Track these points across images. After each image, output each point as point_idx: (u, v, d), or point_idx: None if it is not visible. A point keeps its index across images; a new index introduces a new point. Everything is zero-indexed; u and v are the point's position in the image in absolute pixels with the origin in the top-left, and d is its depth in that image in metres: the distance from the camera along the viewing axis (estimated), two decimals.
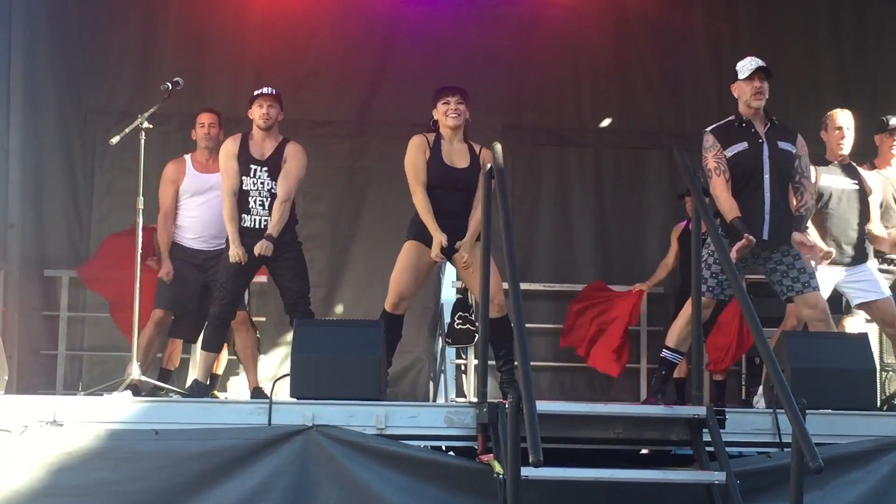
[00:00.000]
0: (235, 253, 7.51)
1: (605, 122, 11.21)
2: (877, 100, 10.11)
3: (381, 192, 10.67)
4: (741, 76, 7.03)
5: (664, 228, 10.95)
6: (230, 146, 7.73)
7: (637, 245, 11.01)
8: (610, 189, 11.09)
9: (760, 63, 6.99)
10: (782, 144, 7.01)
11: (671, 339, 6.92)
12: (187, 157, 8.42)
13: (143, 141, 7.70)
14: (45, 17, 10.15)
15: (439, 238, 7.13)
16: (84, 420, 6.12)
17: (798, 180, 7.07)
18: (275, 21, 10.61)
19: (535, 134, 11.12)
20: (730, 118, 7.12)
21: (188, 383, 8.28)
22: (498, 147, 6.66)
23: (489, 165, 6.51)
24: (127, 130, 7.74)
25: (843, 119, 7.78)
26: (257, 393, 8.02)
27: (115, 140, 7.77)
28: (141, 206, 7.68)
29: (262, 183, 7.61)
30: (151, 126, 7.76)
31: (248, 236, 7.57)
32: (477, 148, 7.34)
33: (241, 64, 10.64)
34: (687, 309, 6.79)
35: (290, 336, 7.33)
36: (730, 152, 6.99)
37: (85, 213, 10.48)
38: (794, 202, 7.08)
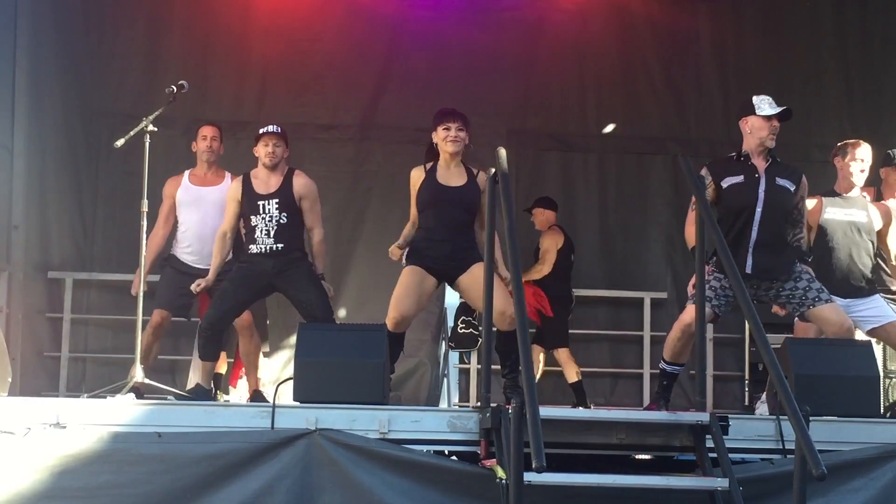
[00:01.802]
0: (205, 281, 7.60)
1: (610, 128, 11.22)
2: (881, 112, 10.12)
3: (385, 196, 10.68)
4: (760, 112, 6.89)
5: (668, 234, 10.97)
6: (234, 190, 7.71)
7: (641, 250, 11.03)
8: (614, 194, 11.11)
9: (784, 106, 6.87)
10: (780, 181, 6.91)
11: (667, 353, 6.88)
12: (186, 172, 8.41)
13: (147, 144, 7.70)
14: (51, 19, 10.16)
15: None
16: (87, 422, 6.12)
17: (795, 217, 7.01)
18: (280, 25, 10.63)
19: (540, 139, 11.13)
20: (730, 154, 7.05)
21: (189, 386, 8.31)
22: (502, 152, 6.64)
23: (493, 170, 6.50)
24: (132, 133, 7.74)
25: (864, 152, 7.71)
26: (257, 396, 8.03)
27: (119, 143, 7.76)
28: (145, 208, 7.68)
29: (270, 216, 7.54)
30: (156, 129, 7.74)
31: (258, 260, 7.55)
32: (475, 171, 7.22)
33: (246, 68, 10.66)
34: (682, 318, 6.77)
35: (293, 339, 7.34)
36: (725, 183, 6.92)
37: (89, 215, 10.49)
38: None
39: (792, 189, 6.94)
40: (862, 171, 7.72)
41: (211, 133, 8.34)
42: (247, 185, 7.66)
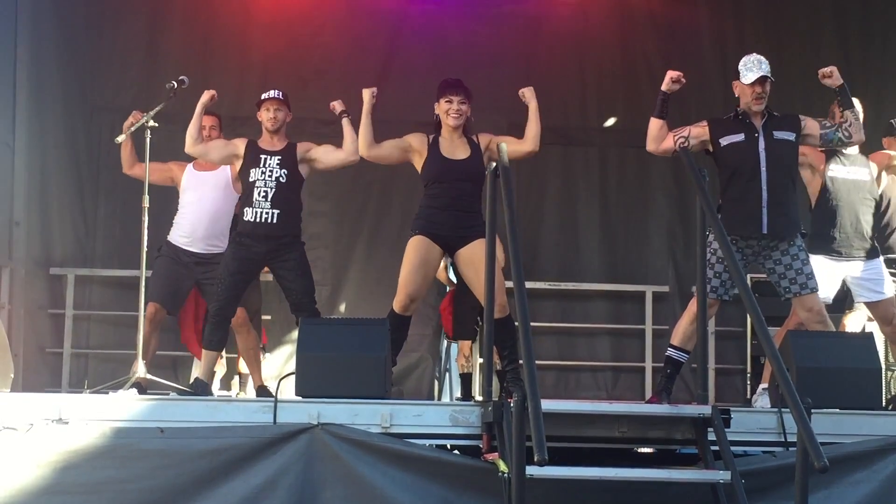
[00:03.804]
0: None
1: (610, 122, 11.22)
2: (883, 100, 10.11)
3: (386, 191, 10.69)
4: (743, 79, 6.99)
5: (669, 227, 10.98)
6: (238, 142, 7.76)
7: (641, 244, 11.03)
8: (615, 188, 11.11)
9: (762, 72, 6.94)
10: (779, 134, 6.97)
11: (676, 338, 6.91)
12: (189, 164, 8.45)
13: (148, 139, 7.72)
14: (51, 14, 10.16)
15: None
16: (89, 418, 6.13)
17: (838, 120, 7.11)
18: (280, 20, 10.62)
19: (541, 133, 11.10)
20: (728, 115, 7.10)
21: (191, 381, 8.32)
22: (504, 145, 6.66)
23: (494, 164, 6.50)
24: (133, 129, 7.75)
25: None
26: (262, 391, 8.03)
27: (120, 138, 7.79)
28: (146, 204, 7.70)
29: (270, 171, 7.56)
30: (157, 124, 7.77)
31: (248, 233, 7.55)
32: (476, 139, 7.31)
33: (247, 62, 10.65)
34: (692, 307, 6.79)
35: (295, 334, 7.33)
36: (724, 141, 6.98)
37: (90, 211, 10.49)
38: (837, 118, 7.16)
39: (792, 138, 7.01)
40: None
41: (209, 122, 8.35)
42: (251, 142, 7.73)
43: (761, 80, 6.95)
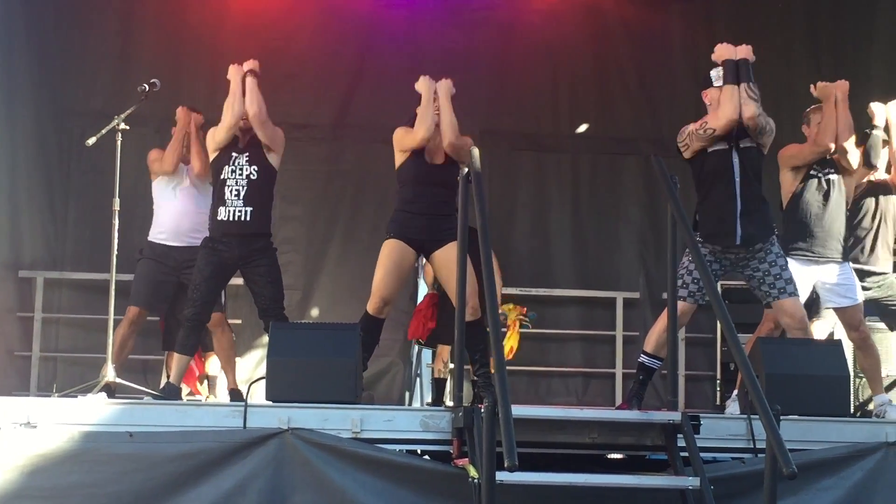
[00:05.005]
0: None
1: (583, 128, 11.24)
2: (853, 109, 10.15)
3: (358, 196, 10.69)
4: (716, 84, 7.03)
5: (640, 234, 11.01)
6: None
7: (613, 250, 11.06)
8: (587, 194, 11.13)
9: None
10: (744, 142, 7.02)
11: (649, 345, 6.93)
12: None
13: (119, 142, 7.69)
14: (22, 17, 10.10)
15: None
16: (58, 422, 6.10)
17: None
18: (253, 23, 10.59)
19: (513, 139, 11.14)
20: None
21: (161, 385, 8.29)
22: (475, 151, 6.67)
23: (466, 170, 6.52)
24: (103, 132, 7.73)
25: None
26: (235, 395, 8.02)
27: (91, 141, 7.74)
28: (117, 207, 7.66)
29: (240, 169, 7.55)
30: (128, 127, 7.75)
31: (223, 232, 7.53)
32: None
33: (219, 66, 10.47)
34: (666, 314, 6.80)
35: (265, 339, 7.32)
36: (711, 148, 7.00)
37: (60, 214, 10.44)
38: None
39: (754, 145, 7.03)
40: None
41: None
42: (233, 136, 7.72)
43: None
